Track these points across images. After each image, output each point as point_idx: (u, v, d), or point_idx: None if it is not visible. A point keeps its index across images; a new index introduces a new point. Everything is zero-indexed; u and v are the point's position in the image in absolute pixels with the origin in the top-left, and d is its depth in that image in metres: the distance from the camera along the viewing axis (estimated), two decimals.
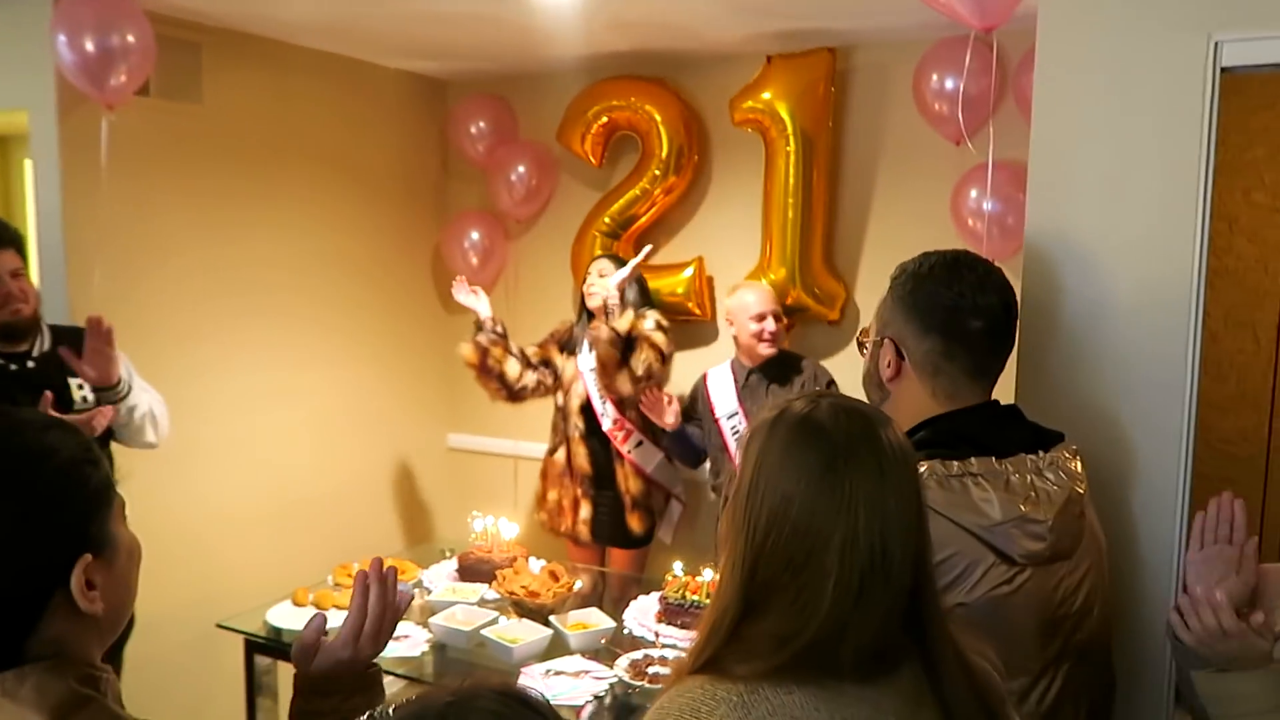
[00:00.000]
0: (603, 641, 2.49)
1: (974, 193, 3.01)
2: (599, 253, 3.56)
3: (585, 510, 3.41)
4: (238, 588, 3.08)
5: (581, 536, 3.41)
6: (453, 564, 3.00)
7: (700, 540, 3.58)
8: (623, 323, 3.20)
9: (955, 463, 1.30)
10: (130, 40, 2.74)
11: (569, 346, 3.47)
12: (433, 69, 4.03)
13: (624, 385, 3.24)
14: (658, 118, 3.59)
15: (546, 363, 3.47)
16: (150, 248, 3.12)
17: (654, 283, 3.67)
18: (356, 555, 3.06)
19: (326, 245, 3.72)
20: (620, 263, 3.36)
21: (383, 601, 1.23)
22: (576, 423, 3.40)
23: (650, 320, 3.30)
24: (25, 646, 0.86)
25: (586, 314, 3.41)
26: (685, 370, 3.67)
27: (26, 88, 2.92)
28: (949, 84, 3.00)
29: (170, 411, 2.75)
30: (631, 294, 3.31)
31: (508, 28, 3.20)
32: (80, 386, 2.54)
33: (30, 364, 2.49)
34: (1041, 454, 1.36)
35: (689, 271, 3.66)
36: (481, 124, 3.97)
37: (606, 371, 3.25)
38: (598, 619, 2.57)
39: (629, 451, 3.36)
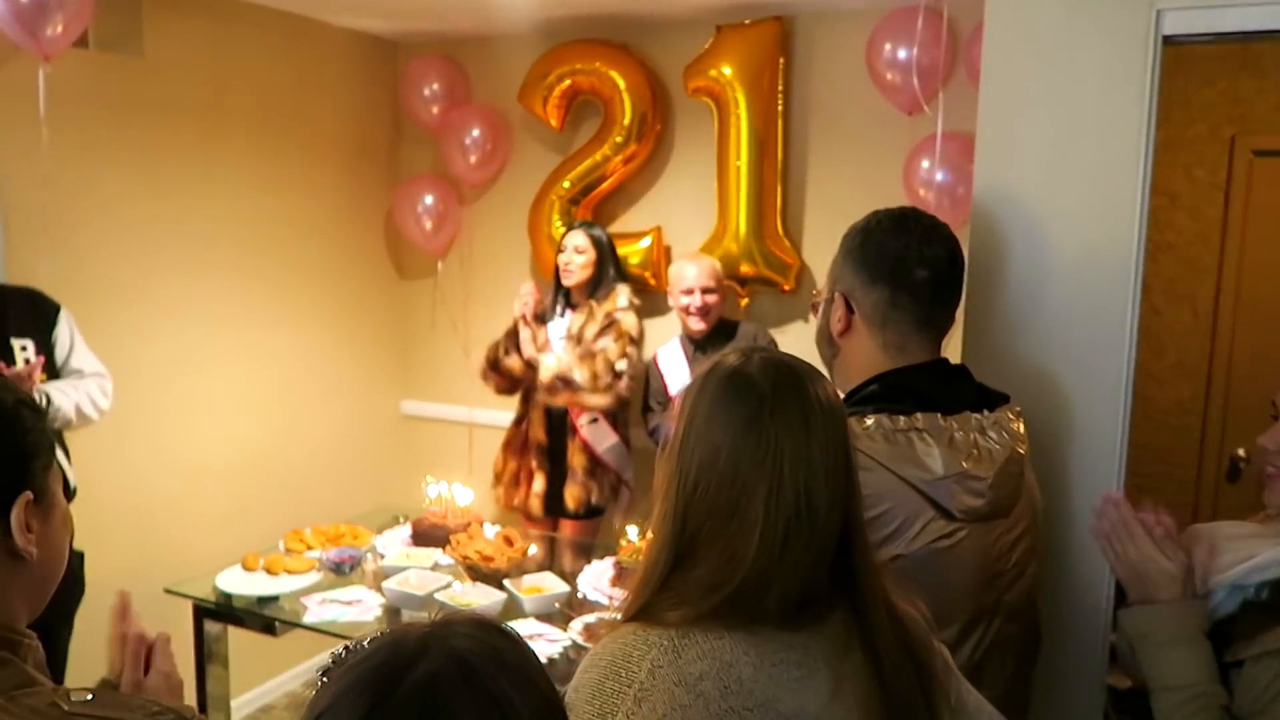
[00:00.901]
0: (556, 605, 2.51)
1: (925, 163, 3.04)
2: (572, 223, 3.50)
3: (539, 483, 3.41)
4: (187, 553, 3.05)
5: (533, 510, 3.41)
6: (406, 530, 2.99)
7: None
8: (545, 372, 3.19)
9: (902, 417, 1.32)
10: None
11: (541, 316, 3.44)
12: (383, 28, 3.95)
13: (595, 401, 3.24)
14: (621, 84, 3.55)
15: (514, 336, 3.39)
16: (91, 203, 3.03)
17: None
18: (309, 521, 3.04)
19: (275, 205, 3.65)
20: (593, 230, 3.36)
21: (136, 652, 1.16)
22: (539, 400, 3.38)
23: (623, 296, 3.32)
24: None
25: (560, 287, 3.39)
26: (653, 341, 3.67)
27: None
28: (901, 54, 3.02)
29: (113, 371, 2.69)
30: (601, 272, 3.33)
31: None
32: (23, 348, 2.48)
33: None
34: (986, 413, 1.39)
35: (646, 241, 3.66)
36: (435, 86, 3.92)
37: (575, 402, 3.25)
38: (551, 583, 2.58)
39: (582, 426, 3.36)
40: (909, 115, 3.10)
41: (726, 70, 3.36)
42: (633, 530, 2.71)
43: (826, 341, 1.49)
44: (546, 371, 3.19)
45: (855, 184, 3.40)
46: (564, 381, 3.19)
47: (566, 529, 3.42)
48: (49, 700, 0.84)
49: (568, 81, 3.65)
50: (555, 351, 3.29)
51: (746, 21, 3.38)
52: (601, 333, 3.27)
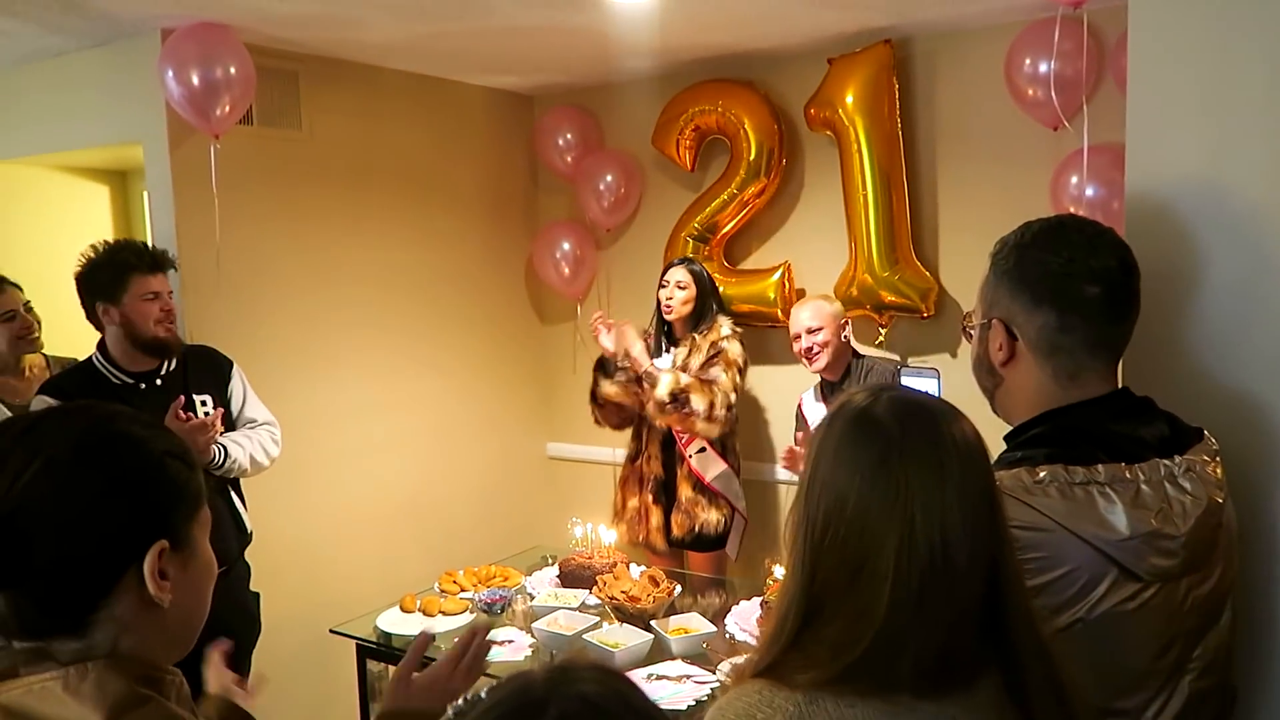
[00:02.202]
0: (704, 646, 2.48)
1: (1074, 179, 2.91)
2: (678, 258, 3.54)
3: (656, 517, 3.42)
4: (350, 594, 3.18)
5: (657, 545, 3.42)
6: (554, 570, 3.04)
7: (773, 551, 3.58)
8: (663, 389, 3.18)
9: (1080, 469, 1.17)
10: (233, 72, 2.88)
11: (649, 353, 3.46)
12: (517, 84, 4.10)
13: (705, 429, 3.24)
14: (746, 121, 3.58)
15: (638, 379, 3.45)
16: (258, 267, 3.26)
17: (742, 288, 3.66)
18: (461, 562, 3.12)
19: (422, 257, 3.83)
20: (693, 265, 3.40)
21: (472, 667, 1.36)
22: (654, 427, 3.41)
23: (725, 326, 3.33)
24: (91, 621, 0.88)
25: (662, 321, 3.43)
26: (777, 380, 3.64)
27: (140, 122, 3.08)
28: (1042, 67, 2.90)
29: (282, 422, 2.86)
30: (704, 305, 3.34)
31: (585, 37, 3.24)
32: (203, 403, 2.66)
33: (158, 382, 2.63)
34: (1178, 458, 1.22)
35: (776, 276, 3.63)
36: (568, 135, 4.03)
37: (682, 426, 3.27)
38: (698, 624, 2.56)
39: (690, 455, 3.37)
40: (1053, 130, 2.97)
41: (839, 101, 3.34)
42: (779, 570, 2.66)
43: (986, 371, 1.34)
44: (662, 388, 3.18)
45: (995, 203, 3.27)
46: (678, 403, 3.17)
47: (690, 562, 3.40)
48: None
49: (695, 122, 3.70)
50: (674, 370, 3.29)
51: (856, 50, 3.34)
52: (709, 362, 3.28)
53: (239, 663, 2.73)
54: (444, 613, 2.73)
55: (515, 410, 4.27)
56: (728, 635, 2.54)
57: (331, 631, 2.72)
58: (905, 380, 1.78)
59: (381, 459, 3.67)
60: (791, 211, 3.74)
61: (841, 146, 3.38)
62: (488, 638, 1.42)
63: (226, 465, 2.61)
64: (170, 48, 2.87)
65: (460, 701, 0.75)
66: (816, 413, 3.24)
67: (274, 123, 3.29)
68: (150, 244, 2.70)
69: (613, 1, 2.80)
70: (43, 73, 3.32)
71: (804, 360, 3.16)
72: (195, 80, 2.83)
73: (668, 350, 3.43)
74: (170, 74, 2.84)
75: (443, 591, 2.90)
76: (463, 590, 2.89)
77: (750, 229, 3.78)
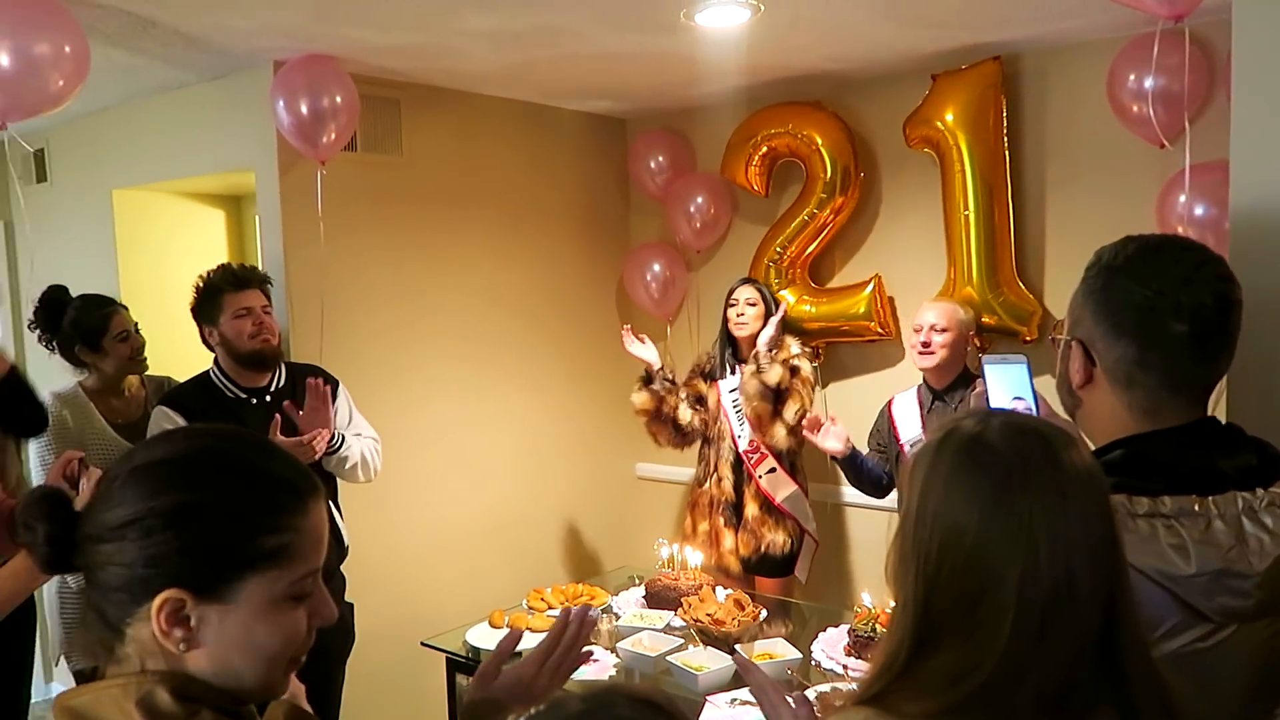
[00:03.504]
0: (789, 673, 2.45)
1: (1181, 197, 2.79)
2: (741, 278, 3.55)
3: (729, 540, 3.41)
4: (441, 607, 3.25)
5: (731, 568, 3.39)
6: (640, 590, 3.04)
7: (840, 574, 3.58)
8: (772, 375, 3.24)
9: (1145, 500, 1.11)
10: (338, 101, 3.00)
11: (711, 374, 3.49)
12: (610, 108, 4.16)
13: (780, 438, 3.31)
14: (818, 140, 3.57)
15: (701, 399, 3.51)
16: (359, 287, 3.38)
17: (831, 306, 3.64)
18: (550, 580, 3.17)
19: (517, 278, 3.91)
20: (760, 285, 3.43)
21: (570, 651, 1.28)
22: (721, 450, 3.41)
23: (795, 345, 3.38)
24: (124, 636, 0.91)
25: (728, 340, 3.44)
26: (868, 393, 3.59)
27: (253, 150, 3.24)
28: (1146, 83, 2.80)
29: (383, 439, 2.95)
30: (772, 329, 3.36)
31: (676, 61, 3.27)
32: None
33: (268, 398, 2.74)
34: (1260, 492, 1.14)
35: (868, 290, 3.59)
36: (660, 158, 4.07)
37: (760, 426, 3.31)
38: (784, 649, 2.53)
39: (760, 475, 3.35)
40: (1160, 148, 2.86)
41: (944, 118, 3.28)
42: (866, 597, 2.61)
43: (1066, 391, 1.29)
44: (774, 375, 3.26)
45: (1104, 223, 3.11)
46: (778, 396, 3.25)
47: (758, 587, 3.37)
48: None
49: (765, 147, 3.71)
50: (727, 408, 3.39)
51: (963, 66, 3.28)
52: (784, 379, 3.28)
53: (333, 671, 2.83)
54: (531, 630, 2.77)
55: (605, 430, 4.31)
56: (813, 662, 2.50)
57: (422, 644, 2.78)
58: (990, 369, 1.72)
59: (473, 476, 3.75)
60: (872, 230, 3.71)
61: (943, 164, 3.32)
62: (579, 636, 1.30)
63: (342, 452, 2.71)
64: (281, 79, 3.01)
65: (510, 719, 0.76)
66: (907, 414, 3.16)
67: (376, 148, 3.42)
68: (238, 263, 2.82)
69: (703, 26, 2.83)
70: (166, 105, 3.52)
71: (915, 353, 3.08)
72: (304, 109, 2.96)
73: (734, 371, 3.43)
74: (281, 104, 2.98)
75: (530, 609, 2.94)
76: (550, 608, 2.92)
77: (832, 248, 3.77)
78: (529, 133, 3.95)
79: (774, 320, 3.35)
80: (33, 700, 3.05)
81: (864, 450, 3.26)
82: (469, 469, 3.73)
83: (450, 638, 2.78)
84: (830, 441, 3.16)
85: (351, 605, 2.88)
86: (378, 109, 3.37)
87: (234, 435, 0.97)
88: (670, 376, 3.51)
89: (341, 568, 2.88)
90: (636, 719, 0.72)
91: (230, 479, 0.91)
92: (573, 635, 1.29)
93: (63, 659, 2.94)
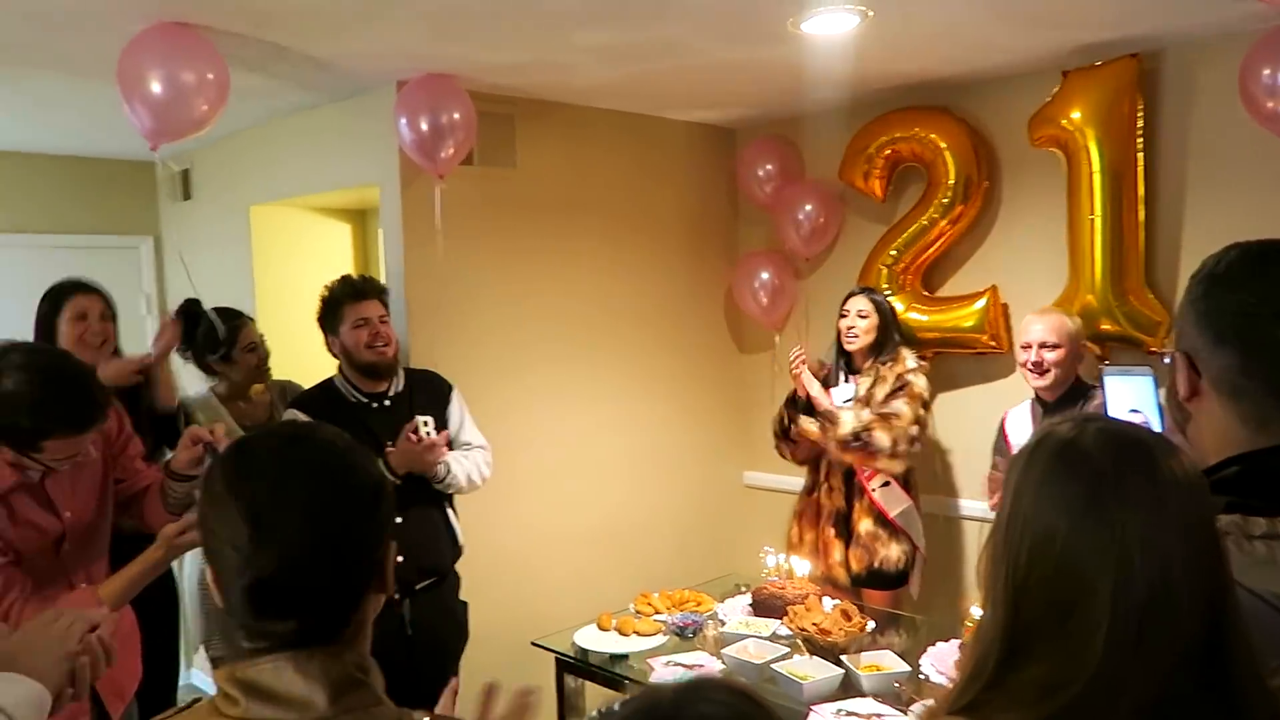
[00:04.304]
0: (896, 685, 2.42)
1: None
2: (856, 288, 3.49)
3: (837, 551, 3.36)
4: (550, 609, 3.32)
5: (839, 579, 3.34)
6: (746, 598, 3.05)
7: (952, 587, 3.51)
8: (845, 428, 3.17)
9: (1261, 520, 1.05)
10: (456, 117, 3.12)
11: (826, 381, 3.45)
12: (718, 118, 4.19)
13: (888, 466, 3.24)
14: (943, 145, 3.49)
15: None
16: (475, 296, 3.50)
17: (943, 315, 3.56)
18: (657, 584, 3.20)
19: (625, 288, 3.97)
20: (874, 295, 3.38)
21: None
22: (833, 459, 3.35)
23: (911, 359, 3.29)
24: (347, 625, 1.01)
25: (841, 351, 3.39)
26: (979, 406, 3.50)
27: (377, 166, 3.40)
28: None
29: (490, 442, 3.05)
30: (885, 336, 3.33)
31: (784, 70, 3.27)
32: (425, 423, 2.87)
33: (387, 403, 2.87)
34: None
35: (981, 303, 3.50)
36: (769, 166, 4.06)
37: (865, 464, 3.25)
38: (891, 661, 2.50)
39: (874, 490, 3.29)
40: None
41: (1075, 116, 3.16)
42: (976, 610, 2.55)
43: (1176, 406, 1.24)
44: (845, 427, 3.17)
45: (1249, 228, 2.98)
46: (861, 442, 3.15)
47: (867, 600, 3.31)
48: (395, 716, 0.99)
49: (888, 151, 3.65)
50: (855, 407, 3.26)
51: (1097, 63, 3.16)
52: (893, 395, 3.21)
53: (448, 666, 2.93)
54: (638, 633, 2.81)
55: (713, 438, 4.32)
56: (922, 675, 2.46)
57: (532, 644, 2.85)
58: (1110, 380, 1.65)
59: (584, 481, 3.82)
60: (988, 235, 3.62)
61: (1070, 164, 3.21)
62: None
63: (448, 480, 2.81)
64: (404, 98, 3.15)
65: (597, 711, 0.79)
66: (1020, 431, 3.08)
67: (491, 162, 3.53)
68: (359, 274, 2.96)
69: (810, 34, 2.83)
70: (297, 126, 3.73)
71: (1027, 373, 3.01)
72: (424, 126, 3.09)
73: (848, 380, 3.39)
74: (403, 121, 3.12)
75: (638, 612, 2.98)
76: (657, 612, 2.96)
77: (946, 256, 3.68)
78: (638, 143, 4.01)
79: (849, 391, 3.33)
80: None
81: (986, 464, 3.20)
82: (580, 474, 3.80)
83: (559, 638, 2.84)
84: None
85: (465, 604, 2.97)
86: (493, 124, 3.48)
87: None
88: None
89: (456, 566, 2.98)
90: (730, 703, 0.74)
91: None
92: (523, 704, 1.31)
93: (201, 647, 3.13)
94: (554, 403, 3.72)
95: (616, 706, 0.76)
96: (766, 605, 2.91)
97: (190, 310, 3.12)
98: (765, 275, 4.09)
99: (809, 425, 3.36)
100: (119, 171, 4.47)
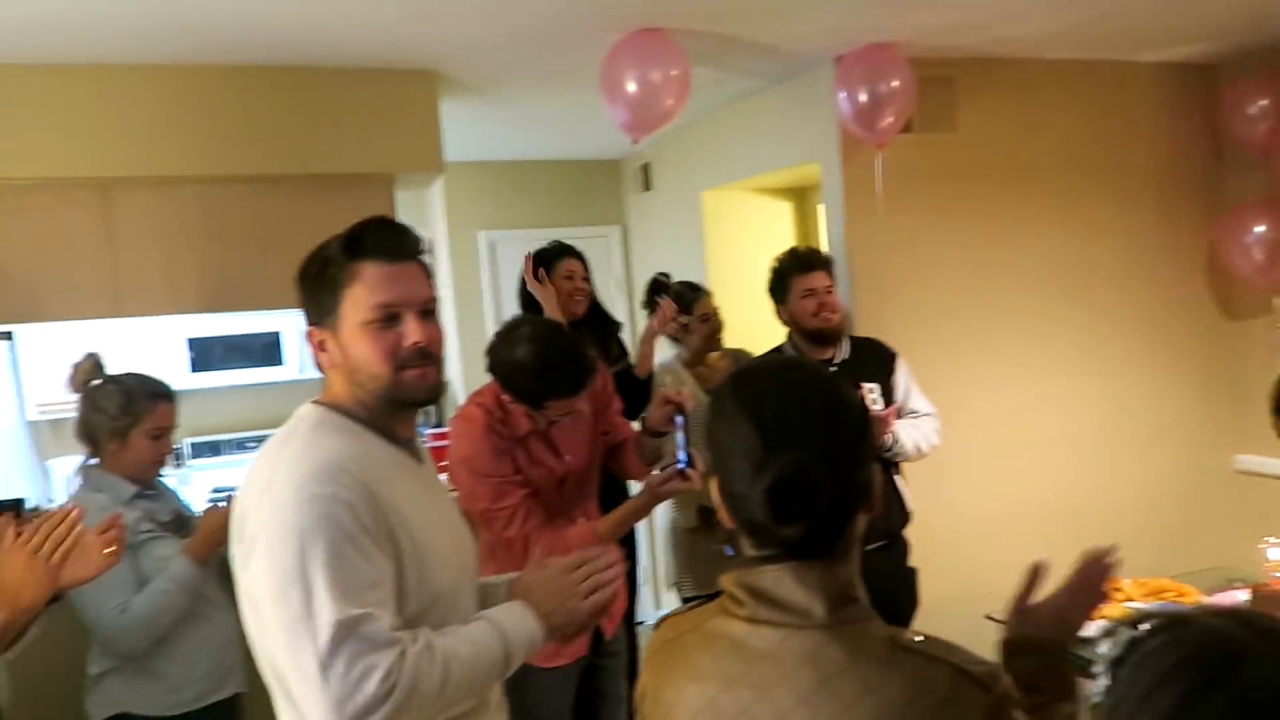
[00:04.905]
0: None
1: None
2: None
3: None
4: (1003, 584, 3.18)
5: None
6: (1242, 594, 2.68)
7: None
8: None
9: None
10: (895, 85, 3.10)
11: None
12: (1194, 54, 3.68)
13: None
14: None
15: None
16: (917, 265, 3.46)
17: None
18: (1125, 571, 2.92)
19: (1081, 251, 3.67)
20: None
21: (1093, 596, 1.26)
22: None
23: None
24: (840, 540, 1.06)
25: None
26: None
27: (816, 142, 3.49)
28: None
29: (941, 411, 2.99)
30: None
31: None
32: (870, 391, 2.90)
33: (833, 369, 2.95)
34: None
35: None
36: (1263, 103, 3.50)
37: None
38: None
39: None
40: None
41: None
42: None
43: None
44: None
45: None
46: None
47: None
48: (887, 634, 1.02)
49: None
50: None
51: None
52: None
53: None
54: (1105, 619, 2.60)
55: (1192, 416, 3.84)
56: None
57: (986, 617, 2.76)
58: None
59: (1040, 457, 3.61)
60: None
61: None
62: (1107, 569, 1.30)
63: (895, 449, 2.82)
64: (842, 72, 3.20)
65: (1107, 643, 0.74)
66: None
67: (931, 129, 3.45)
68: (802, 246, 3.05)
69: None
70: (741, 111, 3.95)
71: None
72: (863, 98, 3.11)
73: None
74: (842, 95, 3.17)
75: None
76: (1128, 599, 2.71)
77: None
78: (1095, 94, 3.67)
79: None
80: (637, 621, 3.64)
81: None
82: (1035, 449, 3.60)
83: None
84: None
85: (915, 570, 2.96)
86: (932, 89, 3.40)
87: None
88: None
89: (905, 533, 2.98)
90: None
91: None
92: (1102, 568, 1.29)
93: (674, 588, 3.46)
94: (1006, 375, 3.56)
95: (1139, 633, 0.71)
96: (1271, 602, 2.53)
97: (660, 283, 3.46)
98: (1261, 229, 3.53)
99: None
100: (592, 170, 5.07)
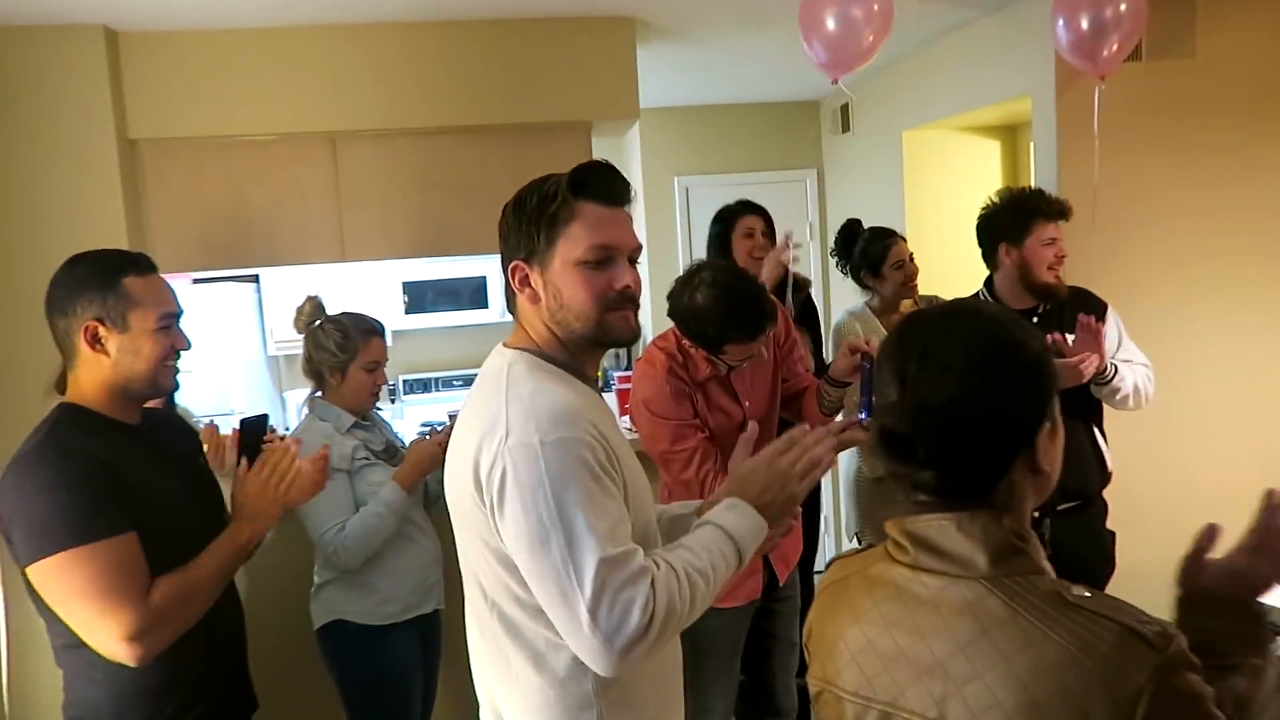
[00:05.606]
0: None
1: None
2: None
3: None
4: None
5: None
6: None
7: None
8: None
9: None
10: (1122, 9, 2.82)
11: None
12: None
13: None
14: None
15: None
16: (1138, 210, 3.18)
17: None
18: None
19: None
20: None
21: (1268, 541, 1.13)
22: None
23: None
24: (993, 490, 1.04)
25: None
26: None
27: (1030, 75, 3.26)
28: None
29: (1158, 371, 2.77)
30: None
31: None
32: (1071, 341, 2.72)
33: (1035, 320, 2.75)
34: None
35: None
36: None
37: None
38: None
39: None
40: None
41: None
42: None
43: None
44: None
45: None
46: None
47: None
48: (1053, 589, 0.99)
49: None
50: None
51: None
52: None
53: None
54: None
55: None
56: None
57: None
58: None
59: (1265, 419, 3.27)
60: None
61: None
62: None
63: (1115, 383, 2.63)
64: None
65: None
66: None
67: (1164, 54, 3.13)
68: (1052, 194, 2.81)
69: None
70: (949, 45, 3.73)
71: None
72: (1084, 25, 2.86)
73: None
74: (1060, 23, 2.92)
75: None
76: None
77: None
78: None
79: None
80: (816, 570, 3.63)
81: None
82: (1260, 411, 3.26)
83: None
84: None
85: (1113, 533, 2.78)
86: (1168, 9, 3.08)
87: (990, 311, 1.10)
88: None
89: (1104, 494, 2.80)
90: None
91: (1025, 333, 1.07)
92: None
93: (855, 537, 3.43)
94: (1228, 326, 3.23)
95: None
96: None
97: (849, 230, 3.37)
98: None
99: None
100: (788, 113, 4.97)
